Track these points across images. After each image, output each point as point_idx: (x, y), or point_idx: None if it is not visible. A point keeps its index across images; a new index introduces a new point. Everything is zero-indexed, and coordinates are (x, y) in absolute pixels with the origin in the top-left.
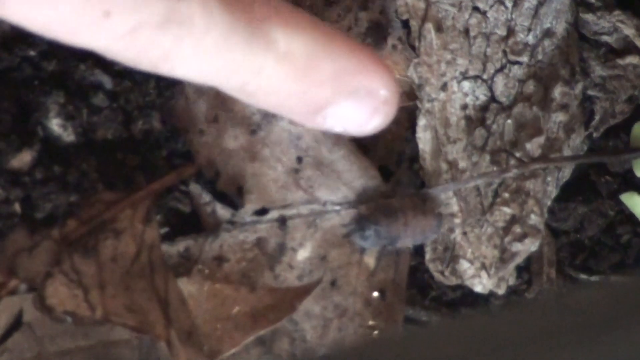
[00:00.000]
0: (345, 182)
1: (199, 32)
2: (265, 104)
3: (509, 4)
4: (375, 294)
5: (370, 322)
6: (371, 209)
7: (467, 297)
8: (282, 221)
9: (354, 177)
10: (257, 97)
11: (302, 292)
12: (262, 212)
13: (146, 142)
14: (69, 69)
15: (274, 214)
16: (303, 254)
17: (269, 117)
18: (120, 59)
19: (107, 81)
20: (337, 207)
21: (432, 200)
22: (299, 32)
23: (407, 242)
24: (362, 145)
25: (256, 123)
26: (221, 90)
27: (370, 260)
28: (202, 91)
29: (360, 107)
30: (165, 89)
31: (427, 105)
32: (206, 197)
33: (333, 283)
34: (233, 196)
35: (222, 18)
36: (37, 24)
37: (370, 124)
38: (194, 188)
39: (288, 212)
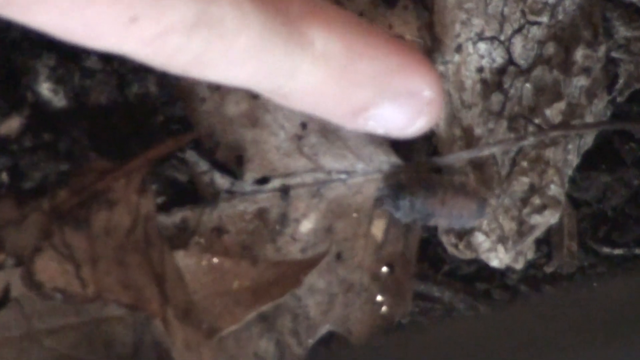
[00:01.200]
0: (351, 150)
1: (230, 35)
2: (302, 106)
3: None
4: (384, 268)
5: (378, 298)
6: (411, 179)
7: (482, 272)
8: (285, 191)
9: (362, 145)
10: (293, 99)
11: (306, 265)
12: (263, 181)
13: (142, 108)
14: None
15: (275, 183)
16: (307, 226)
17: None
18: (149, 63)
19: None
20: (343, 176)
21: (448, 170)
22: (336, 32)
23: (442, 222)
24: None
25: None
26: (255, 91)
27: (378, 232)
28: None
29: (403, 109)
30: None
31: (441, 68)
32: (204, 165)
33: (338, 256)
34: (232, 165)
35: (256, 18)
36: (60, 30)
37: (414, 126)
38: (191, 156)
39: (291, 181)
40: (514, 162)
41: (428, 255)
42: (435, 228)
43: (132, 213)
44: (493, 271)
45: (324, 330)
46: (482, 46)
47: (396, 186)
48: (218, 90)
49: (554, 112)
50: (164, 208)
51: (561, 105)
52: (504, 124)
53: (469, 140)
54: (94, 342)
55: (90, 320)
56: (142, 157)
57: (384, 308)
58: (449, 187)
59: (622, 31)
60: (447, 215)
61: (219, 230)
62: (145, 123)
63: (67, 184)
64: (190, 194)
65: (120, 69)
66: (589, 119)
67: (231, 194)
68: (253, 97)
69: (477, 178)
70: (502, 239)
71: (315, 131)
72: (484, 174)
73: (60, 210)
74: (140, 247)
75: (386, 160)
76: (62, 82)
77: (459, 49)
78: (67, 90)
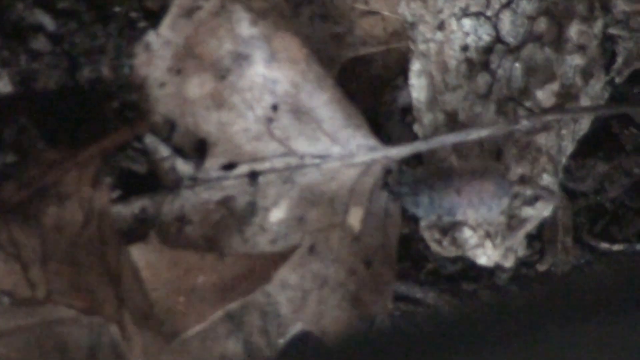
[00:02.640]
0: (327, 132)
1: None
2: None
3: None
4: (361, 261)
5: (355, 294)
6: (429, 169)
7: (468, 271)
8: (253, 177)
9: (338, 127)
10: None
11: (277, 259)
12: (230, 166)
13: (94, 93)
14: (3, 8)
15: (243, 169)
16: (277, 215)
17: (240, 59)
18: None
19: (48, 22)
20: (317, 161)
21: (483, 161)
22: None
23: (469, 214)
24: (348, 93)
25: (226, 67)
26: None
27: (355, 222)
28: (169, 41)
29: None
30: (116, 32)
31: (422, 46)
32: (164, 151)
33: (312, 248)
34: (195, 150)
35: None
36: None
37: None
38: (150, 141)
39: (260, 167)
40: (502, 149)
41: (410, 252)
42: (416, 222)
43: (85, 208)
44: (481, 270)
45: (296, 329)
46: (467, 22)
47: (413, 181)
48: (179, 73)
49: (546, 94)
50: (120, 200)
51: (554, 86)
52: (492, 107)
53: (454, 125)
54: (46, 346)
55: (41, 322)
56: (96, 147)
57: (361, 305)
58: (465, 174)
59: (621, 5)
60: (470, 206)
61: (182, 221)
62: (98, 110)
63: (15, 177)
64: (149, 186)
65: (70, 51)
66: (585, 101)
67: (194, 181)
68: (220, 77)
69: (463, 166)
70: (490, 234)
71: (287, 112)
72: (470, 162)
73: (6, 205)
74: (93, 245)
75: (364, 143)
76: (6, 65)
77: (441, 25)
78: (12, 74)
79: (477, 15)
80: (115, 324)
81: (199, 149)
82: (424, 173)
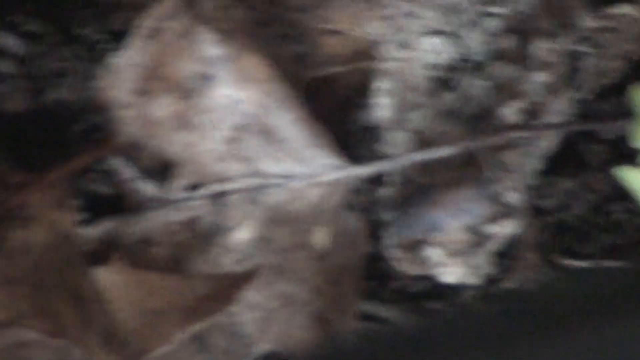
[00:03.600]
0: (291, 152)
1: None
2: None
3: None
4: (326, 281)
5: (320, 314)
6: (413, 190)
7: (434, 289)
8: (218, 197)
9: (303, 147)
10: None
11: (242, 279)
12: (195, 187)
13: (60, 115)
14: None
15: (208, 190)
16: (242, 235)
17: (205, 80)
18: None
19: (14, 44)
20: (282, 180)
21: (472, 165)
22: None
23: (452, 224)
24: (312, 112)
25: (191, 88)
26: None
27: (320, 241)
28: (134, 63)
29: None
30: (81, 54)
31: (386, 65)
32: (129, 172)
33: (277, 268)
34: (158, 170)
35: None
36: None
37: None
38: (115, 163)
39: (225, 187)
40: (468, 167)
41: (375, 271)
42: (381, 241)
43: (50, 230)
44: (446, 288)
45: (261, 349)
46: (432, 40)
47: (398, 203)
48: (144, 95)
49: (511, 112)
50: (85, 222)
51: (520, 103)
52: (457, 125)
53: (419, 144)
54: None
55: (5, 345)
56: (61, 169)
57: (327, 325)
58: (441, 185)
59: (587, 21)
60: (451, 216)
61: (147, 242)
62: (63, 132)
63: None
64: (115, 208)
65: (36, 73)
66: (551, 118)
67: (159, 202)
68: (185, 98)
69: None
70: (455, 252)
71: (253, 132)
72: (436, 180)
73: None
74: (59, 267)
75: (329, 163)
76: None
77: (405, 44)
78: None
79: (442, 33)
80: (80, 346)
81: (164, 170)
82: (399, 193)
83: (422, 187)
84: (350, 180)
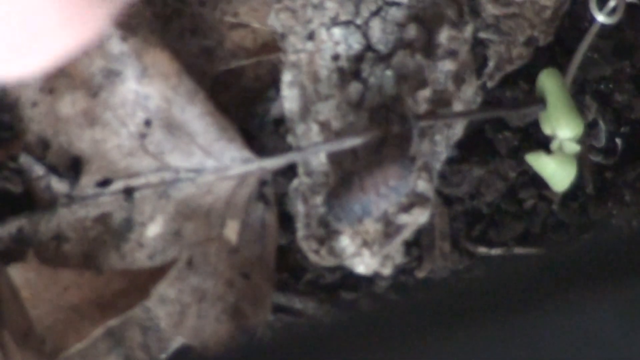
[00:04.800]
0: (200, 146)
1: None
2: None
3: None
4: (239, 273)
5: (234, 307)
6: (339, 180)
7: (347, 280)
8: (129, 192)
9: (211, 140)
10: None
11: (155, 274)
12: (105, 183)
13: None
14: None
15: (118, 185)
16: (154, 230)
17: (112, 76)
18: None
19: None
20: (192, 175)
21: (389, 146)
22: None
23: (382, 205)
24: (220, 106)
25: (97, 85)
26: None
27: (231, 234)
28: None
29: None
30: None
31: (293, 57)
32: (39, 170)
33: (189, 262)
34: (69, 168)
35: None
36: None
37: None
38: (25, 161)
39: (135, 182)
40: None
41: (288, 263)
42: (293, 233)
43: None
44: (359, 279)
45: (176, 343)
46: (337, 32)
47: (328, 197)
48: (51, 93)
49: (418, 101)
50: None
51: (426, 92)
52: (365, 115)
53: (327, 135)
54: None
55: None
56: None
57: (241, 318)
58: (362, 170)
59: (490, 9)
60: (380, 197)
61: (59, 239)
62: None
63: None
64: (26, 206)
65: None
66: (458, 106)
67: (70, 199)
68: (92, 95)
69: (337, 175)
70: (367, 243)
71: (160, 127)
72: (345, 171)
73: None
74: None
75: (239, 156)
76: None
77: (311, 35)
78: None
79: (347, 24)
80: None
81: (74, 167)
82: (335, 183)
83: (346, 175)
84: (260, 172)
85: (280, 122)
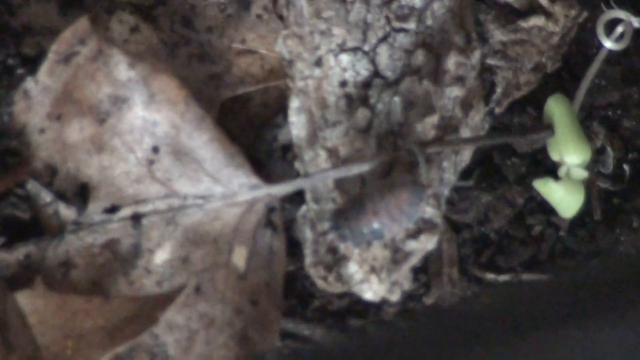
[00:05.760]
0: (208, 172)
1: None
2: None
3: None
4: (247, 300)
5: (242, 333)
6: (347, 202)
7: (355, 306)
8: (136, 219)
9: (219, 167)
10: None
11: (163, 300)
12: (113, 209)
13: None
14: None
15: (126, 212)
16: (162, 256)
17: (119, 103)
18: None
19: None
20: (200, 201)
21: (400, 172)
22: None
23: (393, 229)
24: (228, 132)
25: (105, 111)
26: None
27: (239, 261)
28: (47, 87)
29: None
30: None
31: (300, 83)
32: (47, 196)
33: (197, 289)
34: (75, 194)
35: None
36: None
37: None
38: (32, 187)
39: (142, 209)
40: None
41: (296, 289)
42: (301, 259)
43: None
44: (367, 305)
45: None
46: (345, 58)
47: (334, 216)
48: (59, 119)
49: (426, 127)
50: (4, 246)
51: (434, 119)
52: (372, 142)
53: (335, 161)
54: None
55: None
56: None
57: (249, 344)
58: (375, 194)
59: (498, 35)
60: (389, 221)
61: (67, 265)
62: None
63: None
64: (34, 232)
65: None
66: (465, 133)
67: (78, 225)
68: (99, 121)
69: (345, 202)
70: (375, 269)
71: (168, 154)
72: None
73: None
74: None
75: (246, 182)
76: None
77: (319, 62)
78: None
79: (355, 50)
80: None
81: (82, 194)
82: (344, 204)
83: (360, 197)
84: (267, 199)
85: (288, 149)
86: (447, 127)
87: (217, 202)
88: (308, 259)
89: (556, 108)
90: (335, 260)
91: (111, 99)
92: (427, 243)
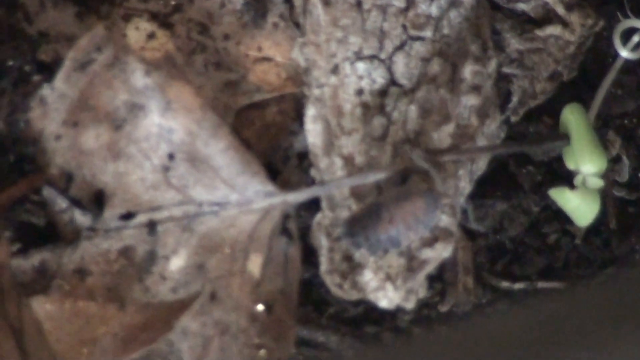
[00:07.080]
0: (224, 180)
1: None
2: None
3: None
4: (262, 307)
5: (257, 340)
6: (363, 209)
7: (370, 314)
8: (152, 226)
9: (235, 174)
10: None
11: (178, 307)
12: (128, 216)
13: None
14: None
15: (141, 218)
16: (177, 263)
17: (136, 110)
18: None
19: None
20: (215, 208)
21: (416, 180)
22: None
23: (409, 237)
24: (244, 139)
25: (121, 118)
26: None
27: (254, 268)
28: (64, 94)
29: None
30: (10, 86)
31: (316, 91)
32: (63, 203)
33: (213, 296)
34: (92, 201)
35: None
36: None
37: None
38: (48, 194)
39: (158, 216)
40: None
41: (311, 297)
42: (317, 267)
43: None
44: (382, 312)
45: None
46: (361, 66)
47: (349, 223)
48: (75, 126)
49: (442, 136)
50: (20, 253)
51: (450, 127)
52: (388, 150)
53: (351, 169)
54: None
55: None
56: None
57: (263, 351)
58: (391, 203)
59: (514, 44)
60: (405, 229)
61: (82, 272)
62: None
63: None
64: (49, 238)
65: None
66: (481, 141)
67: (93, 231)
68: (116, 128)
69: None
70: (391, 277)
71: (184, 161)
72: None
73: None
74: None
75: (262, 189)
76: None
77: (335, 70)
78: None
79: (371, 58)
80: None
81: (97, 200)
82: (360, 212)
83: (376, 205)
84: (283, 206)
85: (304, 156)
86: (463, 136)
87: (233, 209)
88: (323, 267)
89: (572, 117)
90: (350, 268)
91: (127, 106)
92: (442, 251)
